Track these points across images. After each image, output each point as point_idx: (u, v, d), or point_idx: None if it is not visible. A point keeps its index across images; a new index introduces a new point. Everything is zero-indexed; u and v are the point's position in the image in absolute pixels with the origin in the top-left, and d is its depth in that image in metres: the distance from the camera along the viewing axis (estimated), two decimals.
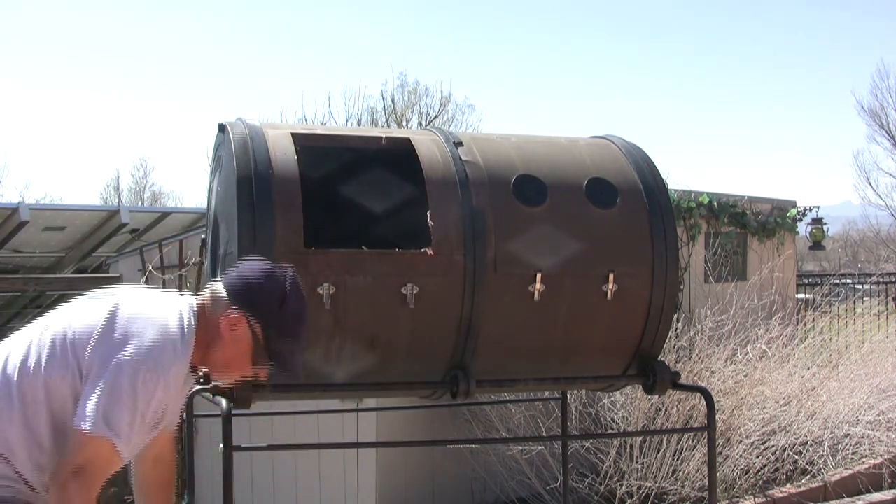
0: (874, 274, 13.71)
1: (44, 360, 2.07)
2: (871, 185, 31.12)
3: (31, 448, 2.08)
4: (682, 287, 6.74)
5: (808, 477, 5.51)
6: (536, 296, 2.99)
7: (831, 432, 5.74)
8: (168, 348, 2.07)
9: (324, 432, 5.26)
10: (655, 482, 5.06)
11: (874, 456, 5.83)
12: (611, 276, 3.07)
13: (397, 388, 3.10)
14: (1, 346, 2.17)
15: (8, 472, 2.09)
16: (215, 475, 3.31)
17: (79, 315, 2.13)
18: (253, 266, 2.22)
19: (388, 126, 19.87)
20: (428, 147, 3.09)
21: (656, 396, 4.64)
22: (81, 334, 2.08)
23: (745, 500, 5.18)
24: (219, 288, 2.19)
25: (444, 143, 3.11)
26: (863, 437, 5.84)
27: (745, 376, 5.54)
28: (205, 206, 3.59)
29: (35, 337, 2.13)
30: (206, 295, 2.21)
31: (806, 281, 11.23)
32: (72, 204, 12.09)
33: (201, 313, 2.18)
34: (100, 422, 1.97)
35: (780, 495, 5.27)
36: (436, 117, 22.50)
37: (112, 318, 2.09)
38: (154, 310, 2.13)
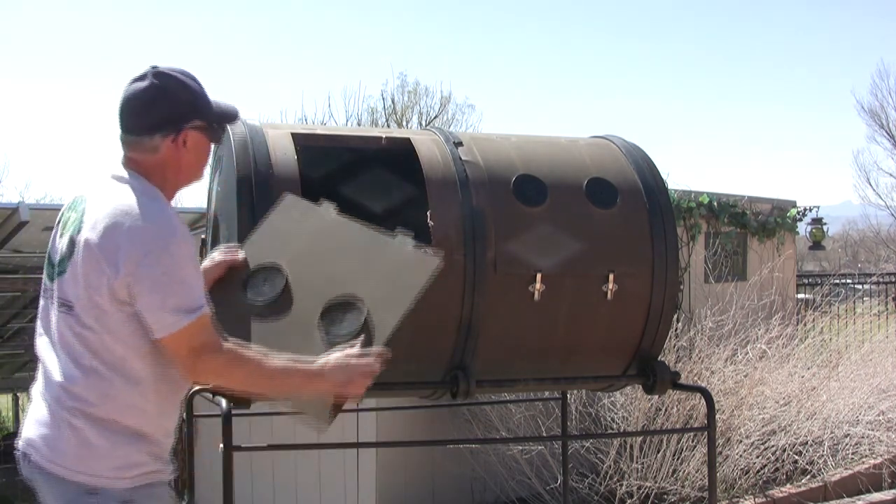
0: (874, 274, 13.71)
1: (99, 326, 1.98)
2: (871, 185, 31.15)
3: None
4: (682, 287, 6.74)
5: (808, 477, 5.51)
6: (536, 296, 2.99)
7: (831, 432, 5.74)
8: (160, 217, 2.00)
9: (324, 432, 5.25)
10: (655, 482, 5.06)
11: (874, 456, 5.83)
12: (611, 276, 3.07)
13: (397, 388, 3.10)
14: (46, 354, 2.09)
15: (164, 453, 2.09)
16: (215, 475, 3.31)
17: (75, 282, 2.01)
18: (142, 94, 2.08)
19: (388, 126, 19.88)
20: (428, 147, 3.09)
21: (656, 396, 4.64)
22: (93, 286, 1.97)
23: (745, 500, 5.18)
24: (136, 138, 2.09)
25: (444, 143, 3.11)
26: (863, 437, 5.84)
27: (745, 376, 5.54)
28: (205, 206, 3.59)
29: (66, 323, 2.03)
30: (136, 152, 2.10)
31: (806, 281, 11.23)
32: None
33: (146, 165, 2.09)
34: (170, 320, 1.95)
35: (780, 495, 5.27)
36: (436, 117, 22.51)
37: (92, 251, 1.97)
38: (114, 207, 2.00)
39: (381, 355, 2.15)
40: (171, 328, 1.95)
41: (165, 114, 2.09)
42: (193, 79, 2.16)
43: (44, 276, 2.15)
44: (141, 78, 2.10)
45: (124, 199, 2.01)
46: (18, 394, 12.36)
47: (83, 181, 2.22)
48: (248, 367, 2.01)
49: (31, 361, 11.78)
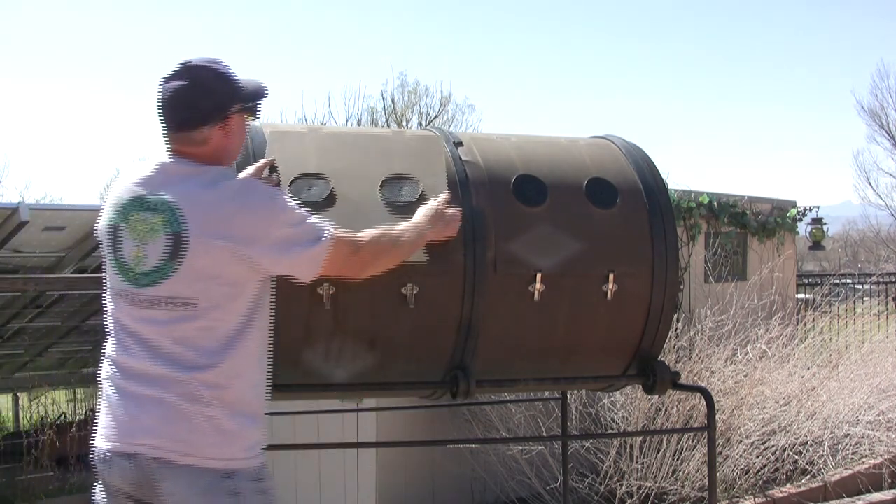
0: (874, 274, 13.71)
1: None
2: (871, 185, 31.18)
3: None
4: (682, 287, 6.74)
5: (808, 477, 5.51)
6: (536, 296, 2.99)
7: (831, 432, 5.74)
8: (252, 185, 2.18)
9: (324, 432, 5.26)
10: (655, 482, 5.06)
11: (874, 456, 5.83)
12: (611, 276, 3.07)
13: (397, 388, 3.10)
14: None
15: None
16: None
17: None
18: (183, 93, 2.16)
19: (388, 126, 19.88)
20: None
21: (656, 396, 4.64)
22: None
23: (745, 500, 5.18)
24: (185, 134, 2.16)
25: (444, 143, 3.11)
26: (863, 437, 5.84)
27: (745, 376, 5.54)
28: None
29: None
30: (185, 146, 2.17)
31: (806, 281, 11.23)
32: (72, 204, 12.07)
33: (197, 155, 2.17)
34: (313, 255, 2.14)
35: (780, 495, 5.27)
36: (436, 117, 22.52)
37: (214, 239, 2.07)
38: (214, 193, 2.11)
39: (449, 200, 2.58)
40: (317, 261, 2.13)
41: (210, 107, 2.17)
42: (224, 65, 2.24)
43: (115, 283, 2.16)
44: (177, 76, 2.17)
45: (215, 183, 2.11)
46: (18, 394, 12.35)
47: (124, 178, 2.24)
48: (384, 244, 2.31)
49: (30, 361, 11.77)
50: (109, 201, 2.22)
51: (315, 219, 2.19)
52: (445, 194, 2.70)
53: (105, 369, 2.21)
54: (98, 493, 2.21)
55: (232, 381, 2.11)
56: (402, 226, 2.43)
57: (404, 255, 2.43)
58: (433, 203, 2.62)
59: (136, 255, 2.11)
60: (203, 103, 2.16)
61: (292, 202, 2.19)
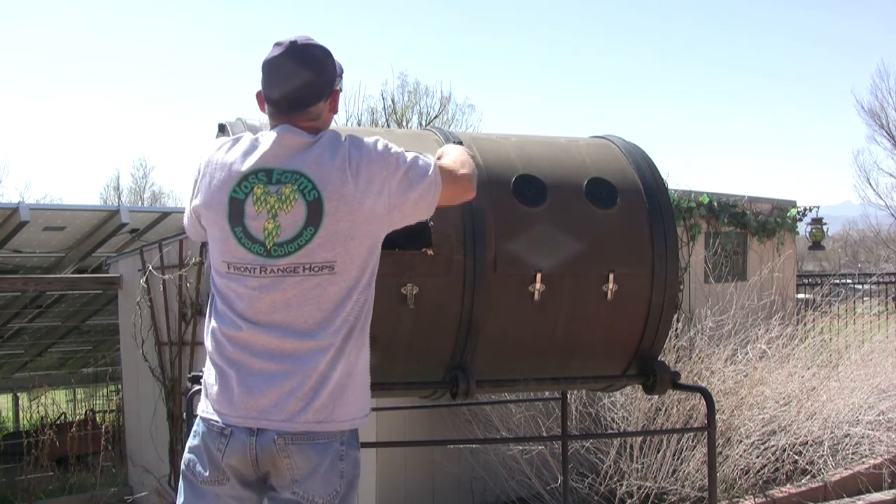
0: (874, 274, 13.71)
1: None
2: (871, 185, 31.15)
3: None
4: (682, 287, 6.74)
5: (808, 477, 5.51)
6: (536, 296, 2.99)
7: (831, 432, 5.74)
8: (362, 140, 2.24)
9: None
10: (655, 482, 5.06)
11: (874, 456, 5.83)
12: (611, 276, 3.07)
13: (397, 388, 3.10)
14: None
15: None
16: None
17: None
18: (303, 74, 2.23)
19: (388, 126, 19.88)
20: (428, 147, 3.08)
21: (656, 396, 4.64)
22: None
23: (745, 500, 5.18)
24: (304, 111, 2.23)
25: (444, 143, 3.11)
26: (863, 437, 5.84)
27: (745, 376, 5.54)
28: None
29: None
30: (298, 121, 2.24)
31: (806, 281, 11.24)
32: (72, 204, 12.08)
33: (307, 128, 2.24)
34: (432, 181, 2.26)
35: (780, 495, 5.27)
36: (436, 117, 22.52)
37: (352, 198, 2.15)
38: (336, 155, 2.19)
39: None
40: (437, 189, 2.26)
41: (323, 83, 2.26)
42: (322, 46, 2.31)
43: (238, 258, 2.17)
44: (288, 55, 2.22)
45: (337, 148, 2.19)
46: (18, 394, 12.35)
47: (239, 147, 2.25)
48: (469, 168, 2.38)
49: (30, 361, 11.79)
50: (216, 178, 2.21)
51: (412, 152, 2.29)
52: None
53: (219, 343, 2.20)
54: (198, 465, 2.20)
55: (362, 352, 2.23)
56: (453, 157, 2.44)
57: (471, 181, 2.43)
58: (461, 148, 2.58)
59: (270, 226, 2.14)
60: (318, 81, 2.24)
61: (394, 144, 2.28)
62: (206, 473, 2.17)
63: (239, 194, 2.17)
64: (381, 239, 2.26)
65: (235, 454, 2.13)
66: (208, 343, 2.24)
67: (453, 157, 2.41)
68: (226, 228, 2.17)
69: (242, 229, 2.15)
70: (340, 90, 2.36)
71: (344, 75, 2.39)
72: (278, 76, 2.22)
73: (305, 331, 2.14)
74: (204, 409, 2.22)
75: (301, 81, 2.21)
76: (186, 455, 2.22)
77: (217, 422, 2.16)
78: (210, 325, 2.24)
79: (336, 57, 2.33)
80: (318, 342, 2.14)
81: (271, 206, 2.14)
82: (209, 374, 2.24)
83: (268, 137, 2.21)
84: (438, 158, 2.40)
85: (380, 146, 2.23)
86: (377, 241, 2.23)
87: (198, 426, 2.22)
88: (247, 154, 2.20)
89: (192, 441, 2.22)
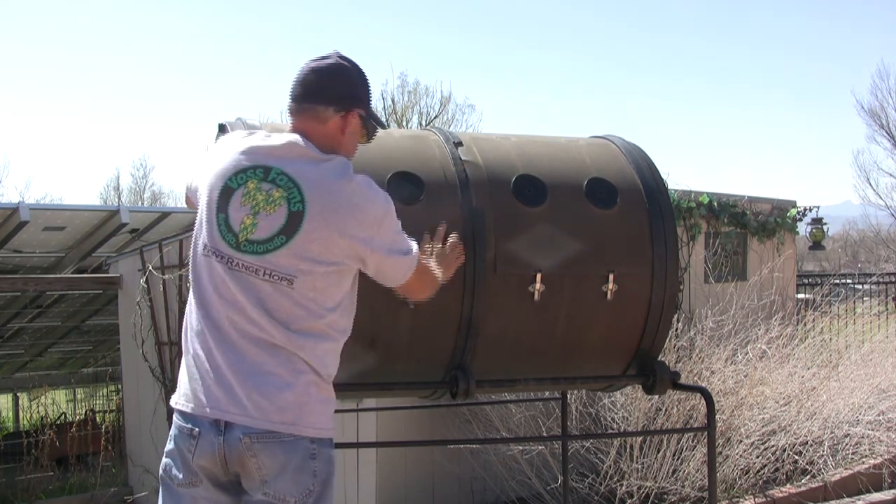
0: (874, 274, 13.72)
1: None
2: (871, 185, 31.15)
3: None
4: (682, 287, 6.74)
5: (808, 477, 5.51)
6: (536, 296, 2.99)
7: (831, 432, 5.74)
8: (374, 188, 2.22)
9: None
10: (655, 482, 5.06)
11: (874, 456, 5.83)
12: (611, 277, 3.07)
13: (397, 388, 3.10)
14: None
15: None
16: None
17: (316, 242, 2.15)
18: (326, 68, 2.27)
19: (388, 126, 19.84)
20: (428, 147, 3.09)
21: (656, 396, 4.64)
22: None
23: (745, 500, 5.18)
24: (312, 107, 2.25)
25: (444, 143, 3.11)
26: (863, 437, 5.84)
27: (745, 376, 5.54)
28: None
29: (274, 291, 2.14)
30: (305, 121, 2.26)
31: (806, 281, 11.24)
32: (72, 204, 12.09)
33: (314, 136, 2.24)
34: (406, 265, 2.27)
35: (780, 495, 5.27)
36: (436, 117, 22.55)
37: (331, 229, 2.14)
38: (340, 187, 2.17)
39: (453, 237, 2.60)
40: (407, 272, 2.28)
41: (342, 90, 2.27)
42: (365, 73, 2.35)
43: (213, 243, 2.19)
44: (325, 57, 2.29)
45: (340, 174, 2.18)
46: (18, 394, 12.35)
47: (231, 145, 2.27)
48: (431, 278, 2.41)
49: (30, 361, 11.79)
50: (221, 162, 2.24)
51: (404, 233, 2.31)
52: (453, 238, 2.62)
53: (193, 327, 2.21)
54: (173, 468, 2.22)
55: (334, 361, 2.25)
56: (434, 267, 2.47)
57: (431, 294, 2.48)
58: (444, 248, 2.59)
59: (247, 222, 2.16)
60: (336, 84, 2.26)
61: (393, 213, 2.27)
62: (181, 476, 2.19)
63: (233, 183, 2.19)
64: (350, 278, 2.24)
65: (205, 454, 2.14)
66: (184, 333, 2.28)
67: (439, 263, 2.47)
68: (213, 212, 2.20)
69: (225, 217, 2.18)
70: (362, 118, 2.32)
71: (375, 130, 2.38)
72: (303, 70, 2.27)
73: (257, 332, 2.14)
74: (175, 399, 2.24)
75: (317, 74, 2.25)
76: (164, 460, 2.25)
77: (183, 421, 2.19)
78: (187, 309, 2.27)
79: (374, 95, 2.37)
80: (303, 349, 2.15)
81: (257, 202, 2.16)
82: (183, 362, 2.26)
83: (279, 137, 2.24)
84: (431, 254, 2.47)
85: (384, 204, 2.21)
86: (347, 273, 2.22)
87: (172, 429, 2.24)
88: (254, 148, 2.22)
89: (168, 445, 2.25)
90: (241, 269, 2.15)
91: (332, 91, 2.26)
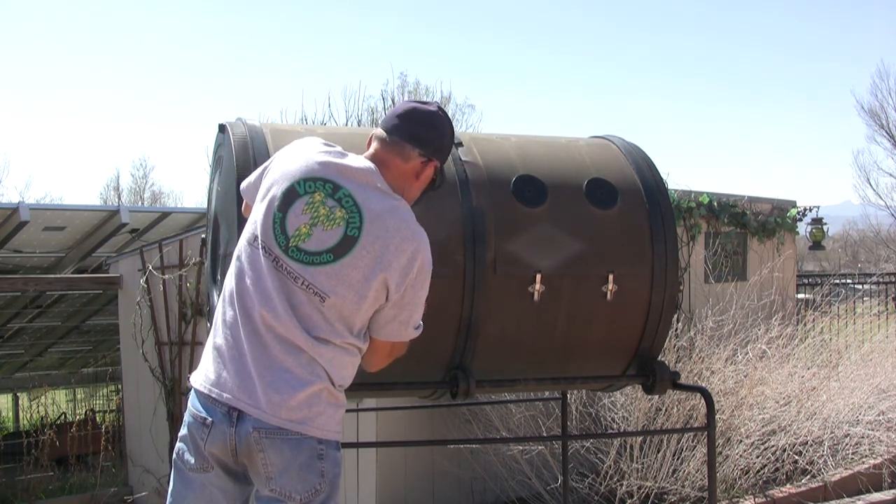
0: (874, 274, 13.72)
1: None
2: (871, 185, 31.15)
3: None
4: (682, 287, 6.74)
5: (808, 477, 5.51)
6: (536, 296, 2.99)
7: (831, 432, 5.74)
8: (428, 247, 2.28)
9: None
10: (655, 482, 5.06)
11: (874, 456, 5.83)
12: (610, 277, 3.07)
13: (397, 388, 3.10)
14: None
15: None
16: None
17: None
18: (428, 114, 2.38)
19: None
20: None
21: (656, 396, 4.64)
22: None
23: (745, 500, 5.18)
24: (401, 143, 2.33)
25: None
26: (863, 437, 5.84)
27: (745, 376, 5.54)
28: (205, 206, 3.60)
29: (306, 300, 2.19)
30: (389, 154, 2.33)
31: (806, 281, 11.24)
32: (72, 204, 12.09)
33: (390, 170, 2.32)
34: (406, 333, 2.34)
35: (780, 495, 5.27)
36: None
37: (377, 264, 2.19)
38: (400, 226, 2.23)
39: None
40: (401, 338, 2.34)
41: (433, 139, 2.38)
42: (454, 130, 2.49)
43: (265, 237, 2.23)
44: (427, 103, 2.42)
45: (402, 219, 2.25)
46: (18, 394, 12.36)
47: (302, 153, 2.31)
48: (401, 352, 2.42)
49: (30, 361, 11.80)
50: (292, 164, 2.29)
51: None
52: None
53: (227, 313, 2.25)
54: (186, 453, 2.26)
55: (350, 373, 2.29)
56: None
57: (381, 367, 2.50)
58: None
59: (303, 230, 2.22)
60: (431, 132, 2.38)
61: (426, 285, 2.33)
62: (193, 461, 2.24)
63: (300, 188, 2.24)
64: (371, 312, 2.28)
65: (216, 443, 2.20)
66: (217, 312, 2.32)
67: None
68: (272, 208, 2.25)
69: (282, 217, 2.23)
70: (436, 168, 2.41)
71: (436, 185, 2.46)
72: (408, 107, 2.38)
73: (283, 331, 2.19)
74: (195, 378, 2.29)
75: (417, 115, 2.36)
76: (177, 444, 2.30)
77: (197, 409, 2.23)
78: (222, 294, 2.31)
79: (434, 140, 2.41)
80: (293, 345, 2.19)
81: (318, 215, 2.22)
82: (210, 342, 2.30)
83: (356, 160, 2.30)
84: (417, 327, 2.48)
85: (428, 268, 2.28)
86: (371, 309, 2.26)
87: (186, 415, 2.29)
88: (329, 163, 2.27)
89: (182, 431, 2.30)
90: (284, 271, 2.20)
91: (426, 137, 2.36)
